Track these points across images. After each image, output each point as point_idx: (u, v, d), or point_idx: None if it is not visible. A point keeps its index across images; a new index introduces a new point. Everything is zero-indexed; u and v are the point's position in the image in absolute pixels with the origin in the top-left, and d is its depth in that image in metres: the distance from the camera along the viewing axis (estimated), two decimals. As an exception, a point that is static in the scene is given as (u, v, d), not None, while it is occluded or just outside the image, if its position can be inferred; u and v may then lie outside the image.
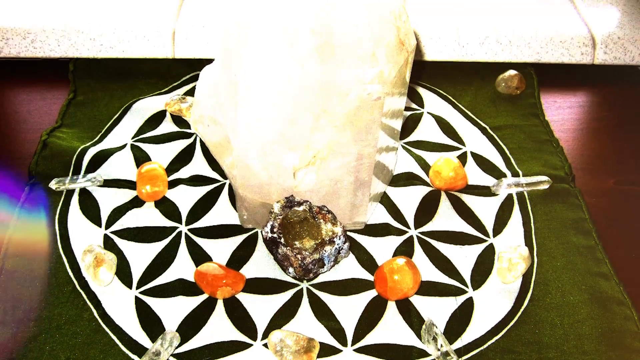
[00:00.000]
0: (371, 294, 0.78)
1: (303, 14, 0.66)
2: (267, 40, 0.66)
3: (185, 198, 0.87)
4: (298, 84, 0.67)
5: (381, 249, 0.82)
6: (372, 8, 0.67)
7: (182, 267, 0.80)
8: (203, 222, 0.85)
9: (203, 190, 0.89)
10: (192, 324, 0.74)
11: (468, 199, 0.89)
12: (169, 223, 0.84)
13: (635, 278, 0.81)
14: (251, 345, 0.73)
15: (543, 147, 0.97)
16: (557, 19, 1.10)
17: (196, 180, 0.90)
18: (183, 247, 0.82)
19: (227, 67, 0.69)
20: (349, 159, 0.74)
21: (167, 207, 0.86)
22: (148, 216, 0.85)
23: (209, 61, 0.78)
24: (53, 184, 0.87)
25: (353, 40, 0.66)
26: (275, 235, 0.76)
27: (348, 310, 0.76)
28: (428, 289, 0.78)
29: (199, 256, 0.81)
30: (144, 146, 0.94)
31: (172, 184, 0.89)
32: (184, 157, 0.93)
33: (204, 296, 0.77)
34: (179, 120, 0.99)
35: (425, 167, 0.92)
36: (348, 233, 0.84)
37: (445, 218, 0.86)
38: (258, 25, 0.66)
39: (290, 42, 0.66)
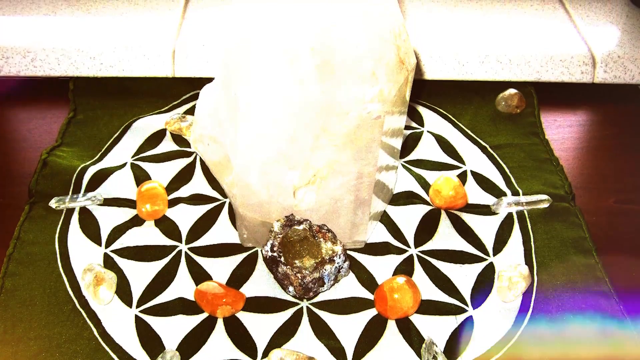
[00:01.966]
0: (371, 312, 0.77)
1: (303, 33, 0.66)
2: (267, 59, 0.66)
3: (185, 217, 0.87)
4: (298, 103, 0.67)
5: (381, 267, 0.82)
6: (372, 27, 0.68)
7: (182, 286, 0.79)
8: (203, 241, 0.85)
9: (203, 209, 0.89)
10: (192, 343, 0.74)
11: (468, 218, 0.88)
12: (169, 242, 0.84)
13: (636, 297, 0.81)
14: (251, 364, 0.73)
15: (543, 166, 0.97)
16: (557, 38, 1.10)
17: (196, 199, 0.90)
18: (183, 266, 0.81)
19: (227, 86, 0.70)
20: (349, 177, 0.74)
21: (167, 225, 0.86)
22: (148, 235, 0.85)
23: (209, 80, 0.78)
24: (53, 203, 0.87)
25: (353, 59, 0.66)
26: (275, 254, 0.75)
27: (348, 329, 0.76)
28: (428, 307, 0.78)
29: (199, 275, 0.81)
30: (144, 165, 0.94)
31: (172, 203, 0.89)
32: (184, 176, 0.93)
33: (204, 315, 0.76)
34: (179, 139, 0.99)
35: (425, 185, 0.92)
36: (348, 252, 0.83)
37: (445, 237, 0.86)
38: (258, 44, 0.67)
39: (291, 61, 0.66)
